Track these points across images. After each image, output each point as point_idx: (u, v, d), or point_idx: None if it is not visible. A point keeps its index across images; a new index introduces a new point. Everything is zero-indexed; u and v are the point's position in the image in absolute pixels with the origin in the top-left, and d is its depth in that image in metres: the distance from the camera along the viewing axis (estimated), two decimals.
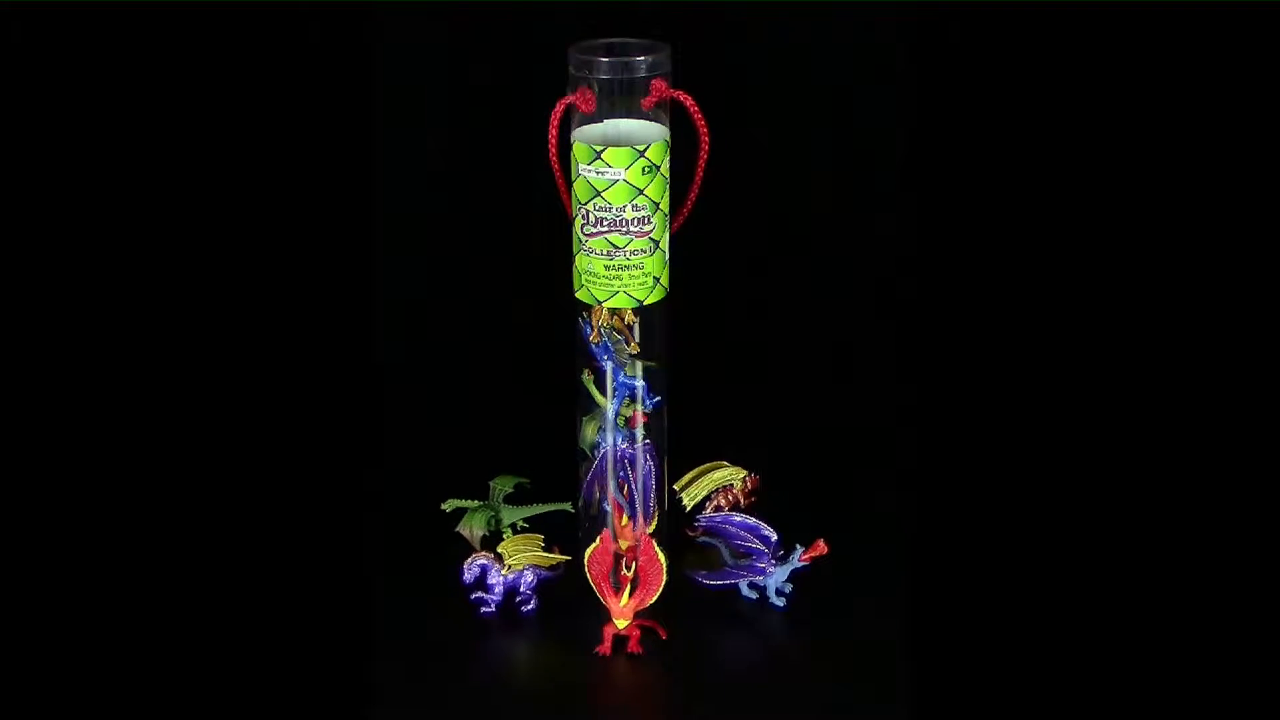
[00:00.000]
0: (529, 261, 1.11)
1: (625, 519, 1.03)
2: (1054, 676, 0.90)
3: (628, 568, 0.99)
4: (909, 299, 1.17)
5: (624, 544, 1.03)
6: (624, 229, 0.97)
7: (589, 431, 1.03)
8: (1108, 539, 0.93)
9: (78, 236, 0.94)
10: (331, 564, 0.95)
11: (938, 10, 1.06)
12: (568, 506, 1.07)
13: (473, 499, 1.07)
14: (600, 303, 0.98)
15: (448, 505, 1.06)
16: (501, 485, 1.08)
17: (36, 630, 0.89)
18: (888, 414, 1.19)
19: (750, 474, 1.09)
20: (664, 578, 1.00)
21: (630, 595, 0.99)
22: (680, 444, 1.08)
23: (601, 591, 1.00)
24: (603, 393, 1.01)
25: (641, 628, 0.99)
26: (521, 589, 1.00)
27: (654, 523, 1.02)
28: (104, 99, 0.94)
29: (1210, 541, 0.92)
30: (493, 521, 1.06)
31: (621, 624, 0.99)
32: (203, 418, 0.95)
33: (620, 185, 0.96)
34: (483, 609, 1.00)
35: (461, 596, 1.01)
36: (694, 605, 1.01)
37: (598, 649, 0.98)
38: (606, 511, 1.02)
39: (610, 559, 0.99)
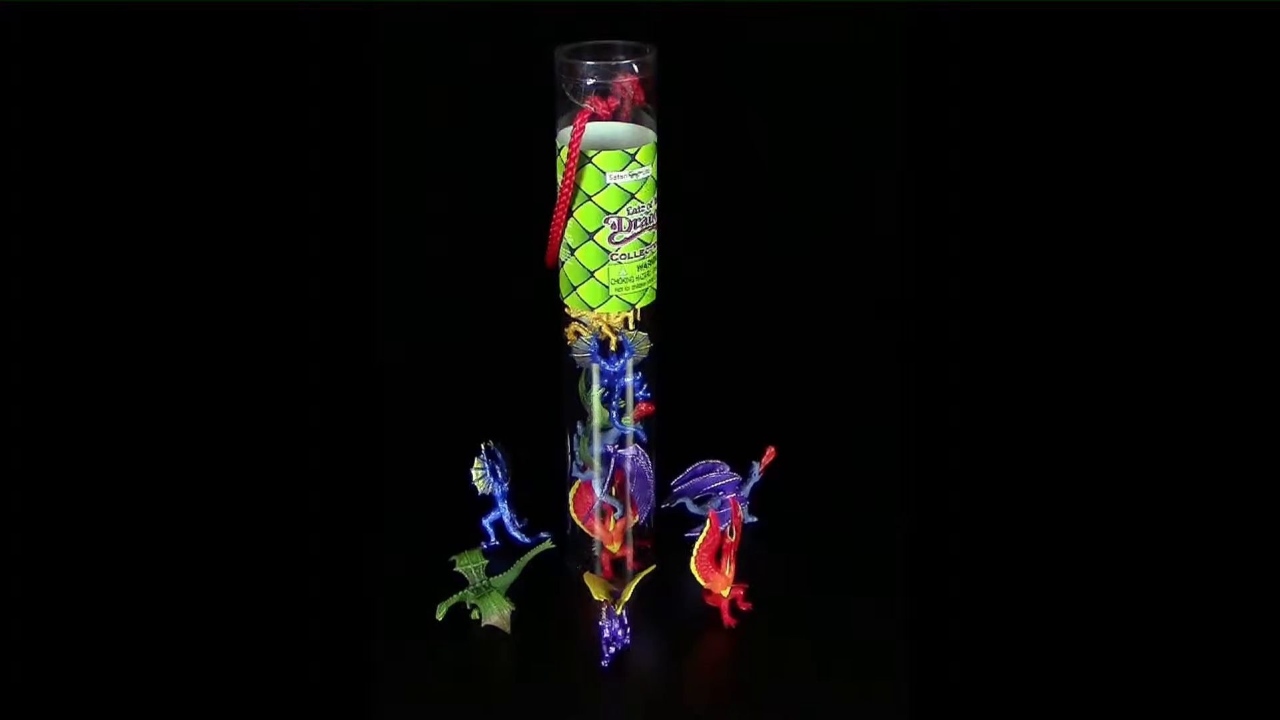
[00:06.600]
0: (529, 262, 1.11)
1: (614, 522, 1.03)
2: (1053, 677, 0.90)
3: (731, 534, 0.99)
4: (906, 297, 1.17)
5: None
6: (651, 224, 0.98)
7: (583, 444, 1.03)
8: (1108, 539, 0.94)
9: (77, 236, 0.94)
10: (330, 564, 0.95)
11: (937, 10, 1.06)
12: (548, 544, 1.04)
13: (455, 582, 1.02)
14: (633, 305, 0.98)
15: (440, 613, 0.99)
16: (474, 563, 1.02)
17: (40, 631, 0.89)
18: (886, 413, 1.19)
19: None
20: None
21: (730, 563, 0.99)
22: (673, 440, 1.08)
23: (708, 574, 0.99)
24: (601, 399, 1.01)
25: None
26: (625, 624, 0.97)
27: (648, 515, 1.03)
28: (104, 99, 0.94)
29: (1208, 540, 0.92)
30: (508, 597, 1.01)
31: (726, 592, 0.99)
32: (203, 417, 0.95)
33: (649, 181, 0.97)
34: (604, 662, 0.96)
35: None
36: (687, 603, 1.01)
37: (726, 623, 0.98)
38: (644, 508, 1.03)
39: (718, 538, 0.98)
